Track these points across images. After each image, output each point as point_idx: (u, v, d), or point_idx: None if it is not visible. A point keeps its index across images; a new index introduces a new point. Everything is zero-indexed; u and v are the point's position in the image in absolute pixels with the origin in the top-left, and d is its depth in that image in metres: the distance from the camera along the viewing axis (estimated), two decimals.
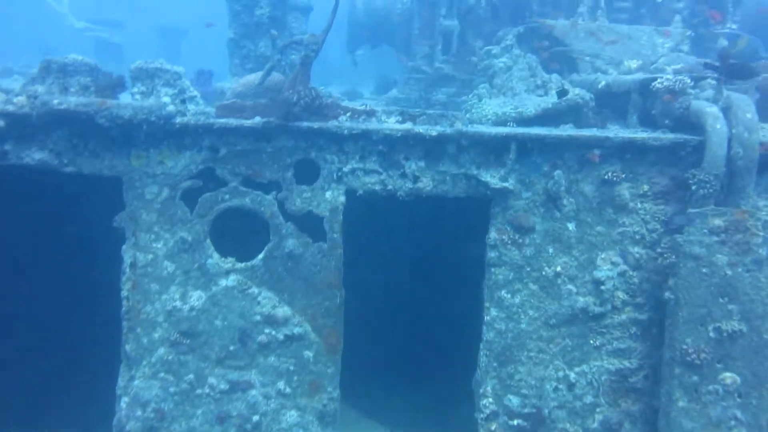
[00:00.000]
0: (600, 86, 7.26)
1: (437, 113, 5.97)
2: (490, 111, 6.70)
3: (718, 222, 5.23)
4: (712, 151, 5.24)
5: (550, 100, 6.64)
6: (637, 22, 10.86)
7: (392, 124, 5.93)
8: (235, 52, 7.91)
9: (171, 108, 5.53)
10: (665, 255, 5.43)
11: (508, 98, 6.86)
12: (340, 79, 22.97)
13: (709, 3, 10.70)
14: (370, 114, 5.99)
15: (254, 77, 6.02)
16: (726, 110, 5.47)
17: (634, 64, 7.46)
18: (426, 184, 5.88)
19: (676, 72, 6.47)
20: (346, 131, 5.70)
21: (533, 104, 6.66)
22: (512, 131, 5.70)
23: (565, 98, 6.59)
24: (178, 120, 5.59)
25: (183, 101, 5.64)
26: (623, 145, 5.62)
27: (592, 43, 9.02)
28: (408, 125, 5.90)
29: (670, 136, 5.56)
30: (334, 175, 5.89)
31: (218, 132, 5.72)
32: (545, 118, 6.63)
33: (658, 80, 5.94)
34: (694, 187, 5.31)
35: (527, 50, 9.79)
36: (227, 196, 5.86)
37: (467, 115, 6.86)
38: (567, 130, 5.80)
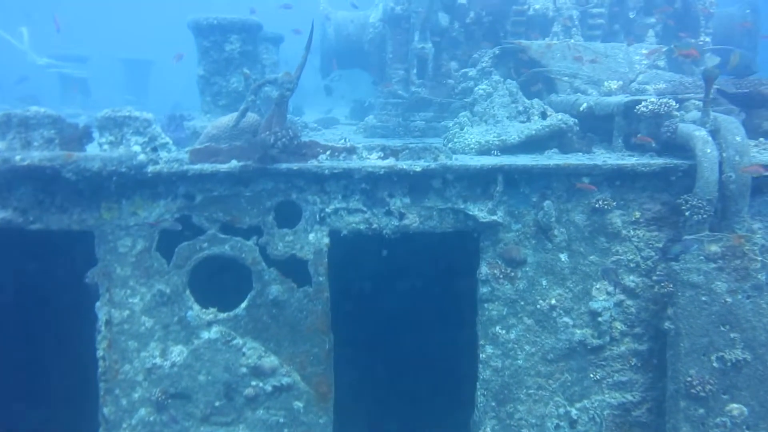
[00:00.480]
0: (582, 108, 7.14)
1: (420, 146, 5.77)
2: (472, 140, 6.53)
3: (714, 248, 5.09)
4: (703, 176, 5.11)
5: (534, 126, 6.50)
6: (611, 38, 10.85)
7: (374, 161, 5.72)
8: (206, 89, 7.67)
9: (142, 157, 5.27)
10: (663, 284, 5.27)
11: (490, 126, 6.71)
12: (314, 100, 22.85)
13: (680, 17, 10.75)
14: (350, 151, 5.79)
15: (228, 119, 5.79)
16: (714, 133, 5.36)
17: (614, 84, 7.36)
18: (412, 220, 5.68)
19: (659, 93, 6.38)
20: (327, 171, 5.49)
21: (516, 131, 6.51)
22: (498, 162, 5.52)
23: (548, 124, 6.46)
24: (151, 169, 5.32)
25: (154, 149, 5.38)
26: (612, 172, 5.48)
27: (569, 62, 8.94)
28: (390, 161, 5.70)
29: (660, 161, 5.43)
30: (317, 217, 5.66)
31: (193, 179, 5.47)
32: (529, 144, 6.49)
33: (643, 104, 5.82)
34: (687, 213, 5.17)
35: (504, 71, 9.76)
36: (206, 245, 5.60)
37: (449, 145, 6.70)
38: (554, 159, 5.64)
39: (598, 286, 5.62)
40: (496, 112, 6.77)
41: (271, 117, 5.63)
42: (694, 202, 5.11)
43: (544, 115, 6.81)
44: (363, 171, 5.51)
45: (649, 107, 5.72)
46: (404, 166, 5.50)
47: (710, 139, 5.21)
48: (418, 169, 5.50)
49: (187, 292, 5.60)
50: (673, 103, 5.70)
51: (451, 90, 10.36)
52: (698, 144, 5.20)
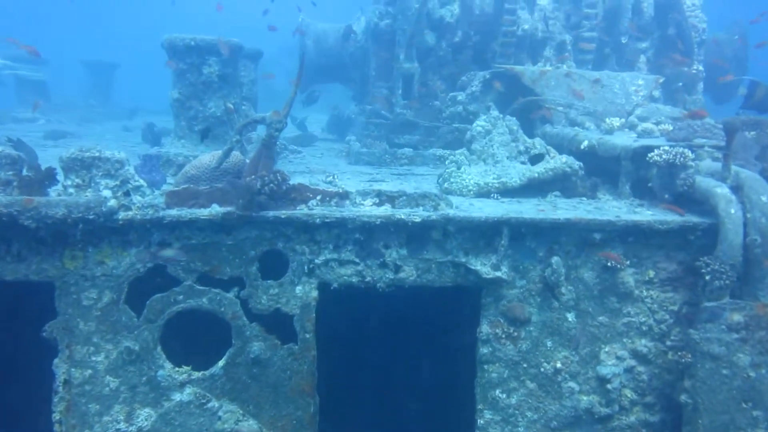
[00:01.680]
0: (583, 146, 6.77)
1: (418, 193, 5.31)
2: (471, 181, 6.10)
3: (737, 317, 4.74)
4: (727, 239, 4.75)
5: (537, 169, 6.10)
6: (601, 62, 10.55)
7: (369, 208, 5.25)
8: (181, 113, 7.09)
9: (113, 203, 4.70)
10: (680, 353, 4.90)
11: (489, 166, 6.28)
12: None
13: (673, 43, 10.50)
14: (342, 196, 5.30)
15: (209, 158, 5.25)
16: (736, 190, 5.01)
17: (616, 122, 7.00)
18: (409, 273, 5.22)
19: (670, 138, 6.02)
20: (318, 220, 4.99)
21: (517, 173, 6.10)
22: (504, 215, 5.08)
23: (552, 167, 6.06)
24: (122, 215, 4.76)
25: (127, 193, 4.82)
26: (626, 228, 5.08)
27: (563, 91, 8.57)
28: (386, 209, 5.24)
29: (678, 219, 5.05)
30: (305, 268, 5.16)
31: (169, 226, 4.91)
32: (531, 187, 6.10)
33: (656, 152, 5.45)
34: (708, 278, 4.81)
35: (494, 97, 9.36)
36: (181, 297, 5.05)
37: (445, 185, 6.26)
38: (563, 212, 5.22)
39: (607, 350, 5.24)
40: (496, 151, 6.35)
41: (257, 158, 5.11)
42: (716, 267, 4.74)
43: (538, 156, 6.41)
44: (358, 221, 5.03)
45: (663, 156, 5.35)
46: (402, 216, 5.03)
47: (734, 198, 4.86)
48: (418, 219, 5.03)
49: (159, 349, 5.05)
50: (689, 154, 5.33)
51: (438, 112, 9.94)
52: (721, 203, 4.84)
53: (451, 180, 6.22)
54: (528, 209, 5.38)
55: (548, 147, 6.39)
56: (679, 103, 10.19)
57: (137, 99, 22.31)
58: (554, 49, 10.05)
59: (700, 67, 10.27)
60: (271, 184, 4.99)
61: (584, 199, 6.05)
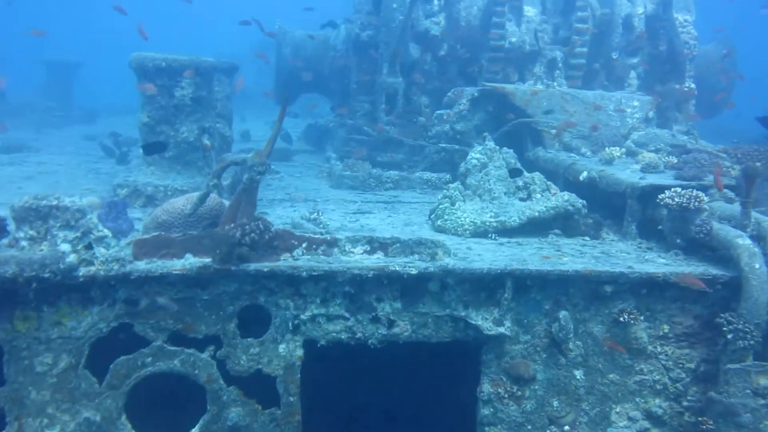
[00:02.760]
0: (582, 177, 6.38)
1: (414, 240, 4.85)
2: (466, 219, 5.66)
3: (764, 381, 4.36)
4: (752, 296, 4.37)
5: (537, 207, 5.67)
6: (590, 77, 10.16)
7: (359, 257, 4.77)
8: (151, 138, 6.52)
9: (72, 258, 4.16)
10: (701, 419, 4.52)
11: (485, 203, 5.84)
12: (256, 104, 21.64)
13: (665, 60, 10.17)
14: (330, 244, 4.81)
15: (182, 203, 4.71)
16: (757, 239, 4.63)
17: (616, 152, 6.62)
18: (403, 329, 4.76)
19: (679, 176, 5.64)
20: (305, 273, 4.50)
21: (517, 212, 5.66)
22: (508, 266, 4.64)
23: (554, 206, 5.64)
24: (83, 272, 4.22)
25: (89, 246, 4.27)
26: (640, 281, 4.68)
27: (557, 112, 8.18)
28: (379, 258, 4.77)
29: (696, 272, 4.66)
30: (289, 324, 4.67)
31: (137, 281, 4.38)
32: (531, 225, 5.67)
33: (668, 194, 5.05)
34: (730, 336, 4.42)
35: (483, 116, 8.94)
36: (149, 359, 4.53)
37: (438, 222, 5.81)
38: (572, 264, 4.77)
39: (618, 410, 4.83)
40: (493, 186, 5.90)
41: (236, 203, 4.60)
42: (740, 326, 4.36)
43: (516, 171, 5.99)
44: (348, 273, 4.55)
45: (676, 200, 4.96)
46: (397, 268, 4.56)
47: (757, 251, 4.47)
48: (414, 272, 4.57)
49: (123, 418, 4.52)
50: (703, 197, 4.95)
51: (422, 129, 9.47)
52: (744, 256, 4.45)
53: (445, 217, 5.77)
54: (531, 256, 4.95)
55: (549, 183, 5.96)
56: (670, 120, 9.88)
57: (102, 98, 21.54)
58: (545, 66, 9.64)
59: (692, 85, 9.96)
60: (253, 234, 4.48)
61: (587, 238, 5.65)
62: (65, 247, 4.16)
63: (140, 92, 6.45)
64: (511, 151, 6.19)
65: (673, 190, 5.07)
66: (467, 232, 5.60)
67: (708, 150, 6.84)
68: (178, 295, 4.50)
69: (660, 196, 5.12)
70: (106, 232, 4.41)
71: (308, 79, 11.29)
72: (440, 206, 5.90)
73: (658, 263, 4.84)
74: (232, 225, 4.50)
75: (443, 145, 8.83)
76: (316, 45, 11.69)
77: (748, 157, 6.71)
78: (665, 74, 10.14)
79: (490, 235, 5.57)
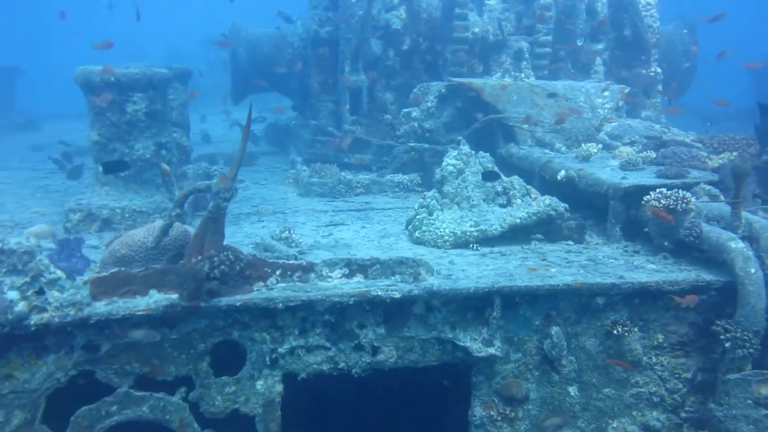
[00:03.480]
0: (560, 177, 6.17)
1: (394, 260, 4.57)
2: (446, 230, 5.40)
3: (765, 391, 4.21)
4: (749, 303, 4.20)
5: (518, 213, 5.43)
6: (559, 67, 10.00)
7: (338, 281, 4.47)
8: (103, 156, 6.07)
9: (22, 306, 3.78)
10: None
11: (464, 211, 5.58)
12: (214, 98, 21.02)
13: (629, 46, 10.03)
14: (306, 269, 4.50)
15: (143, 235, 4.34)
16: (750, 241, 4.47)
17: (593, 148, 6.41)
18: (389, 355, 4.48)
19: (663, 179, 5.45)
20: (281, 305, 4.19)
21: (498, 220, 5.42)
22: (495, 284, 4.39)
23: (535, 212, 5.41)
24: (35, 320, 3.84)
25: (40, 291, 3.88)
26: (632, 291, 4.48)
27: (527, 106, 7.95)
28: (359, 281, 4.48)
29: (690, 278, 4.48)
30: (267, 359, 4.36)
31: (97, 325, 4.01)
32: (513, 232, 5.44)
33: (653, 196, 4.86)
34: (728, 345, 4.26)
35: (451, 112, 8.68)
36: (115, 408, 4.18)
37: (416, 233, 5.54)
38: (561, 277, 4.54)
39: (615, 425, 4.65)
40: (471, 193, 5.65)
41: (202, 232, 4.24)
42: (738, 334, 4.19)
43: (492, 174, 5.74)
44: (327, 301, 4.25)
45: (663, 202, 4.77)
46: (379, 293, 4.28)
47: (751, 254, 4.31)
48: (397, 295, 4.29)
49: None
50: (691, 198, 4.77)
51: (390, 128, 9.18)
52: (738, 261, 4.28)
53: (423, 228, 5.50)
54: (517, 269, 4.72)
55: (528, 187, 5.73)
56: (638, 106, 9.76)
57: (46, 104, 20.66)
58: (511, 57, 9.41)
59: (658, 69, 9.86)
60: (222, 266, 4.15)
61: (571, 243, 5.45)
62: (13, 294, 3.78)
63: (88, 108, 6.01)
64: (488, 155, 5.94)
65: (658, 191, 4.88)
66: (447, 243, 5.34)
67: (683, 141, 6.69)
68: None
69: (645, 198, 4.92)
70: (59, 273, 4.02)
71: (263, 84, 10.88)
72: (417, 216, 5.62)
73: (649, 270, 4.65)
74: (200, 257, 4.15)
75: (412, 144, 8.54)
76: (272, 43, 11.27)
77: (724, 146, 6.59)
78: (631, 59, 10.01)
79: (471, 245, 5.32)
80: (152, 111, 6.06)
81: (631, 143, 6.97)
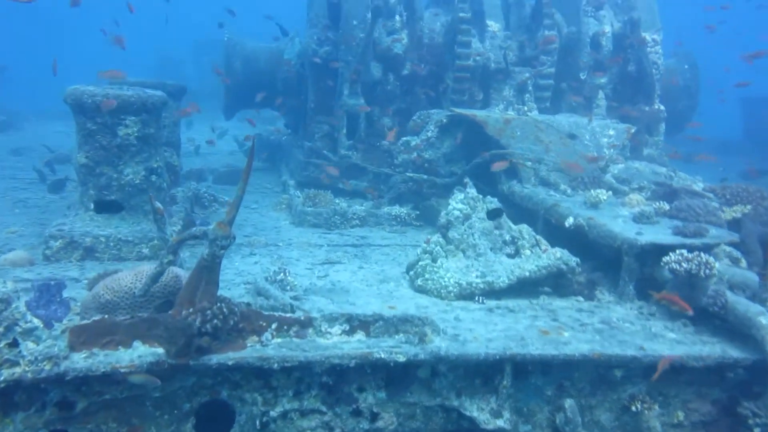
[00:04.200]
0: (567, 224, 5.91)
1: (398, 317, 4.26)
2: (450, 280, 5.10)
3: None
4: None
5: (528, 266, 5.15)
6: (558, 96, 9.77)
7: (337, 339, 4.15)
8: (89, 180, 5.70)
9: None
10: None
11: (470, 260, 5.29)
12: (206, 116, 20.66)
13: (634, 81, 9.84)
14: (304, 324, 4.17)
15: (130, 280, 3.99)
16: None
17: (603, 195, 6.15)
18: (388, 422, 4.17)
19: (678, 231, 5.19)
20: (276, 365, 3.86)
21: (506, 272, 5.14)
22: (507, 351, 4.09)
23: (545, 265, 5.13)
24: (5, 375, 3.47)
25: (13, 343, 3.52)
26: (653, 364, 4.20)
27: (531, 142, 7.71)
28: (360, 339, 4.16)
29: (715, 354, 4.20)
30: (257, 422, 4.02)
31: (74, 382, 3.65)
32: (521, 285, 5.16)
33: (674, 258, 4.61)
34: (757, 431, 3.98)
35: (452, 143, 8.40)
36: None
37: (419, 281, 5.24)
38: (577, 347, 4.24)
39: None
40: (477, 241, 5.35)
41: (195, 282, 3.90)
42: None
43: (497, 211, 5.46)
44: (326, 363, 3.93)
45: (684, 266, 4.52)
46: (383, 355, 3.97)
47: None
48: (402, 359, 3.98)
49: None
50: (714, 264, 4.52)
51: (387, 154, 8.89)
52: None
53: (426, 276, 5.20)
54: (528, 330, 4.43)
55: (538, 237, 5.45)
56: (641, 144, 9.57)
57: (27, 101, 20.13)
58: (514, 89, 9.17)
59: (662, 107, 9.67)
60: (215, 320, 3.81)
61: (581, 299, 5.18)
62: None
63: (77, 129, 5.65)
64: (495, 200, 5.65)
65: (678, 253, 4.63)
66: (452, 294, 5.05)
67: (694, 190, 6.47)
68: (123, 394, 3.79)
69: (665, 260, 4.67)
70: (36, 322, 3.66)
71: (260, 99, 10.54)
72: (420, 263, 5.32)
73: (669, 340, 4.37)
74: (191, 310, 3.81)
75: (411, 174, 8.25)
76: (268, 58, 10.94)
77: (736, 198, 6.37)
78: (633, 95, 9.82)
79: (477, 298, 5.03)
80: (144, 135, 5.72)
81: (640, 189, 6.73)
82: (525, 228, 5.46)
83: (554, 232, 6.28)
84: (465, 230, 5.41)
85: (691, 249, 4.66)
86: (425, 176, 8.22)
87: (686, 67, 11.76)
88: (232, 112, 11.42)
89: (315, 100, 9.75)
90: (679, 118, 11.41)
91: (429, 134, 8.35)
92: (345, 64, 9.21)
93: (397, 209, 7.75)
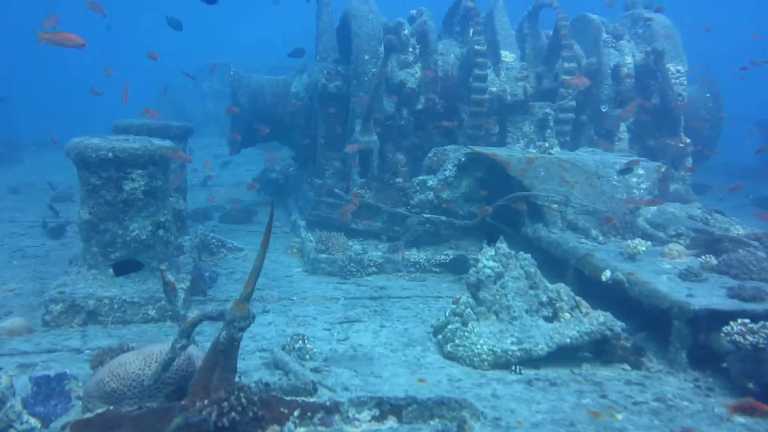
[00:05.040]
0: (605, 278, 5.52)
1: (433, 400, 3.85)
2: (483, 346, 4.70)
3: None
4: None
5: (568, 332, 4.74)
6: (578, 129, 9.44)
7: (366, 425, 3.74)
8: (93, 236, 5.32)
9: None
10: None
11: (504, 323, 4.88)
12: (202, 131, 20.34)
13: (658, 113, 9.48)
14: (329, 410, 3.76)
15: (138, 365, 3.59)
16: None
17: (641, 246, 5.75)
18: None
19: (737, 300, 4.77)
20: None
21: (544, 338, 4.73)
22: None
23: (588, 331, 4.72)
24: None
25: None
26: None
27: (556, 184, 7.33)
28: (391, 426, 3.75)
29: None
30: None
31: None
32: (561, 351, 4.75)
33: (736, 329, 4.21)
34: None
35: (470, 182, 8.02)
36: None
37: (448, 346, 4.85)
38: None
39: None
40: (511, 302, 4.95)
41: (210, 366, 3.50)
42: None
43: (561, 309, 5.05)
44: None
45: (749, 339, 4.11)
46: None
47: None
48: None
49: None
50: None
51: (401, 193, 8.49)
52: None
53: (457, 342, 4.79)
54: (575, 411, 4.01)
55: (578, 299, 5.05)
56: (667, 179, 9.19)
57: (26, 130, 19.88)
58: (534, 125, 8.83)
59: (687, 140, 9.31)
60: (233, 413, 3.40)
61: (627, 367, 4.76)
62: None
63: (80, 184, 5.28)
64: (529, 256, 5.25)
65: (741, 323, 4.22)
66: (485, 363, 4.64)
67: (739, 238, 6.07)
68: None
69: (726, 330, 4.27)
70: (33, 422, 3.26)
71: (265, 133, 10.19)
72: (450, 326, 4.92)
73: (738, 427, 3.94)
74: (206, 402, 3.40)
75: (428, 216, 7.86)
76: (274, 92, 10.59)
77: None
78: (657, 128, 9.46)
79: (513, 368, 4.62)
80: (152, 188, 5.35)
81: (678, 236, 6.35)
82: (563, 288, 5.06)
83: (588, 285, 5.90)
84: (497, 290, 5.01)
85: (752, 317, 4.25)
86: (443, 218, 7.84)
87: (708, 95, 11.41)
88: (238, 147, 11.05)
89: (325, 135, 9.40)
90: (700, 149, 11.03)
91: (447, 173, 7.98)
92: (357, 100, 8.87)
93: (415, 254, 7.34)
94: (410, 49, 9.26)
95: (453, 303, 5.11)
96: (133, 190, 5.23)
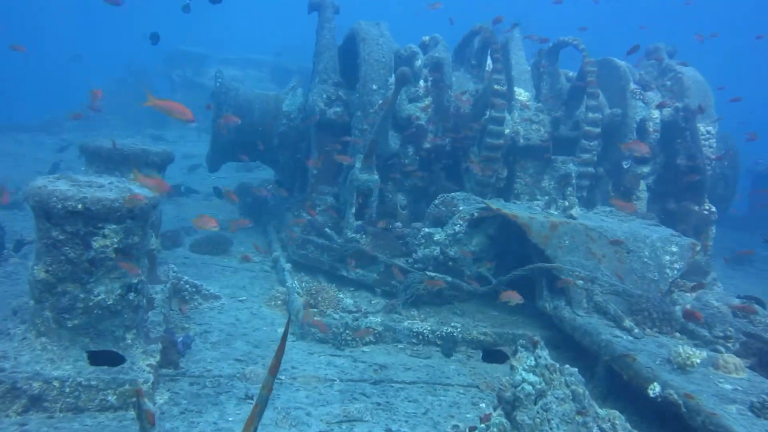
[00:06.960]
0: (652, 393, 4.75)
1: None
2: None
3: None
4: None
5: None
6: (594, 184, 8.68)
7: None
8: (47, 298, 4.28)
9: None
10: None
11: None
12: (179, 133, 19.18)
13: (680, 173, 8.77)
14: None
15: None
16: None
17: (696, 357, 4.94)
18: None
19: None
20: None
21: None
22: None
23: None
24: None
25: None
26: None
27: (581, 256, 6.53)
28: None
29: None
30: None
31: None
32: None
33: None
34: None
35: (482, 240, 7.17)
36: None
37: None
38: None
39: None
40: (556, 430, 4.09)
41: None
42: None
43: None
44: None
45: None
46: None
47: None
48: None
49: None
50: None
51: (400, 241, 7.59)
52: None
53: None
54: None
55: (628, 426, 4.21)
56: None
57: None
58: (555, 180, 8.03)
59: (713, 208, 8.61)
60: None
61: None
62: None
63: (37, 237, 4.25)
64: (575, 371, 4.39)
65: None
66: None
67: None
68: None
69: None
70: None
71: (245, 159, 9.24)
72: None
73: None
74: None
75: (432, 274, 6.97)
76: (263, 108, 9.60)
77: None
78: (680, 190, 8.74)
79: None
80: (126, 246, 4.35)
81: (725, 338, 5.59)
82: (618, 418, 4.22)
83: (623, 390, 5.12)
84: (538, 414, 4.14)
85: None
86: (449, 278, 6.96)
87: (723, 152, 10.79)
88: (217, 165, 10.02)
89: (319, 167, 8.45)
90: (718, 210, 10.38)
91: (456, 228, 7.10)
92: (359, 132, 7.97)
93: (418, 324, 6.44)
94: (422, 81, 8.38)
95: (481, 422, 4.23)
96: (103, 248, 4.22)
